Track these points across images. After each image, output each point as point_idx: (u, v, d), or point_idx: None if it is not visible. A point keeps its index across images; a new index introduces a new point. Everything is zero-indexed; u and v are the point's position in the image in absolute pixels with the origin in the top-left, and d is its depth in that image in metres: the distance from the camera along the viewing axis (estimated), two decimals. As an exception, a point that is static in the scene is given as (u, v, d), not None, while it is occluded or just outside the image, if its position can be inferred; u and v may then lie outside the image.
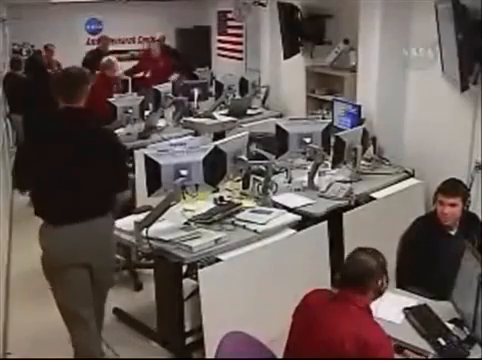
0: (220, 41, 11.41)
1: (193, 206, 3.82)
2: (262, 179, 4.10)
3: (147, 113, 6.14)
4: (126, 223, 3.59)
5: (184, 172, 3.33)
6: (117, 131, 4.78)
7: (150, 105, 6.42)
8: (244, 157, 3.94)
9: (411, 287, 3.22)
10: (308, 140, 4.33)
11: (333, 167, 4.43)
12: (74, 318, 3.13)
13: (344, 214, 3.80)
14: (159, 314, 3.73)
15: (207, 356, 3.02)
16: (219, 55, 11.46)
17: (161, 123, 6.12)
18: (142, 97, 6.01)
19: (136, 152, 4.61)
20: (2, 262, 4.51)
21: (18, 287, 4.48)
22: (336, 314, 2.36)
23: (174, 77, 7.78)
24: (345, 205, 4.06)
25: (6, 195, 5.77)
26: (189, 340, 3.63)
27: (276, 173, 4.43)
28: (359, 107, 5.18)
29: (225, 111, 6.62)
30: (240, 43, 10.18)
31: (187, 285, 3.81)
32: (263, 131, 5.15)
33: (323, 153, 4.29)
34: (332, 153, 4.40)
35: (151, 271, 4.03)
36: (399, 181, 4.56)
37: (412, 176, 4.67)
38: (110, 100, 5.68)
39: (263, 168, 4.11)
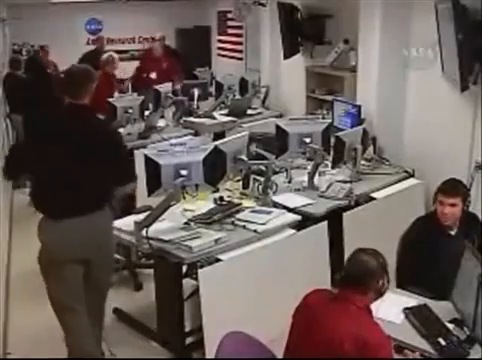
0: (220, 41, 11.41)
1: (193, 206, 3.82)
2: (262, 179, 4.10)
3: (147, 113, 6.14)
4: (126, 223, 3.59)
5: (184, 172, 3.34)
6: (117, 131, 4.79)
7: (150, 105, 6.42)
8: (244, 157, 3.94)
9: (411, 287, 3.22)
10: (308, 140, 4.33)
11: (333, 167, 4.43)
12: (67, 312, 3.15)
13: (344, 214, 3.80)
14: (159, 314, 3.73)
15: (207, 356, 3.03)
16: (219, 55, 11.45)
17: (161, 123, 6.12)
18: (142, 97, 6.01)
19: (136, 152, 4.60)
20: (2, 262, 4.51)
21: (18, 287, 4.48)
22: (336, 314, 2.36)
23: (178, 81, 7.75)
24: (345, 205, 4.06)
25: (6, 195, 5.77)
26: (189, 340, 3.63)
27: (276, 173, 4.43)
28: (359, 107, 5.18)
29: (225, 111, 6.62)
30: (240, 43, 10.18)
31: (187, 285, 3.81)
32: (263, 131, 5.15)
33: (323, 153, 4.29)
34: (332, 153, 4.40)
35: (151, 271, 4.03)
36: (399, 181, 4.57)
37: (412, 176, 4.67)
38: (110, 100, 5.69)
39: (263, 168, 4.11)
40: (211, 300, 3.09)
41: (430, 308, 2.89)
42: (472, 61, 4.11)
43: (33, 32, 10.26)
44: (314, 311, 2.45)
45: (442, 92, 4.73)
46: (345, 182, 4.34)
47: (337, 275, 2.51)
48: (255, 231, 3.59)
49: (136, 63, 8.82)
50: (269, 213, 3.76)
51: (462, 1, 4.00)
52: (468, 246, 2.89)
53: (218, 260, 3.35)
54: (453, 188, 3.49)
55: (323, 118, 5.12)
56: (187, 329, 3.63)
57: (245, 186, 4.16)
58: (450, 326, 2.75)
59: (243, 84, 6.97)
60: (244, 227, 3.63)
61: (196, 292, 3.34)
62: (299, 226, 3.79)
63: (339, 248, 3.61)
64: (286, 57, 7.03)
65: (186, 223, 3.63)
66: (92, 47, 9.81)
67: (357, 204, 4.11)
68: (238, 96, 6.87)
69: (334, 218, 3.84)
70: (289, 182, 4.39)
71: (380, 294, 2.45)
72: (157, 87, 6.43)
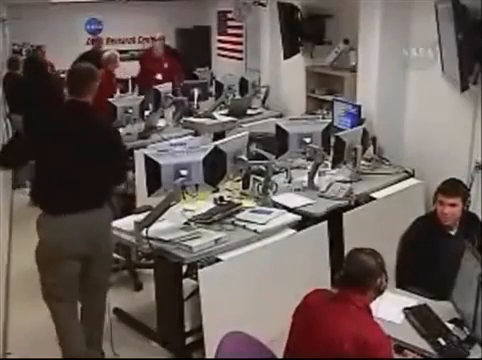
0: (220, 41, 11.40)
1: (193, 206, 3.82)
2: (262, 179, 4.10)
3: (147, 113, 6.14)
4: (126, 223, 3.59)
5: (184, 172, 3.33)
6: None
7: (150, 105, 6.41)
8: (244, 157, 3.94)
9: (411, 287, 3.22)
10: (308, 140, 4.33)
11: (333, 167, 4.43)
12: (57, 302, 3.18)
13: (344, 214, 3.80)
14: (159, 314, 3.73)
15: (207, 356, 3.02)
16: (219, 55, 11.45)
17: (161, 123, 6.12)
18: (142, 97, 6.01)
19: (136, 152, 4.60)
20: (2, 262, 4.51)
21: (18, 287, 4.48)
22: (336, 314, 2.36)
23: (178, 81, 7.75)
24: (345, 205, 4.06)
25: (6, 195, 5.77)
26: (189, 340, 3.63)
27: (276, 173, 4.43)
28: (359, 107, 5.18)
29: (225, 111, 6.61)
30: (240, 43, 10.18)
31: (187, 285, 3.80)
32: (263, 131, 5.15)
33: (323, 153, 4.29)
34: (332, 153, 4.40)
35: (151, 271, 4.03)
36: (399, 181, 4.56)
37: (412, 176, 4.67)
38: (110, 100, 5.68)
39: (263, 168, 4.11)
40: (211, 300, 3.09)
41: (430, 308, 2.89)
42: (472, 61, 4.11)
43: (33, 32, 10.26)
44: (314, 311, 2.45)
45: (442, 92, 4.73)
46: (345, 182, 4.34)
47: (337, 275, 2.51)
48: (255, 231, 3.59)
49: (136, 63, 8.83)
50: (269, 213, 3.76)
51: (462, 1, 4.00)
52: (468, 246, 2.89)
53: (218, 260, 3.35)
54: (453, 188, 3.49)
55: (323, 118, 5.12)
56: (187, 329, 3.63)
57: (245, 186, 4.16)
58: (450, 326, 2.75)
59: (243, 84, 6.97)
60: (244, 227, 3.63)
61: (196, 292, 3.34)
62: (299, 226, 3.79)
63: (339, 248, 3.60)
64: (286, 57, 7.03)
65: (186, 223, 3.63)
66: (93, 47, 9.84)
67: (357, 204, 4.10)
68: (238, 96, 6.87)
69: (334, 218, 3.84)
70: (289, 182, 4.39)
71: (379, 292, 2.46)
72: (157, 87, 6.43)
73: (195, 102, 6.52)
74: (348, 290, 2.40)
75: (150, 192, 3.36)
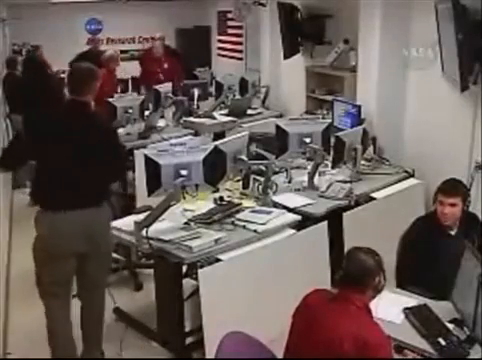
0: (220, 41, 11.40)
1: (193, 206, 3.82)
2: (262, 179, 4.10)
3: (147, 113, 6.14)
4: (126, 223, 3.59)
5: (184, 172, 3.33)
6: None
7: (150, 105, 6.41)
8: (244, 157, 3.94)
9: (411, 287, 3.22)
10: (308, 140, 4.33)
11: (333, 167, 4.43)
12: (51, 296, 3.21)
13: (344, 214, 3.80)
14: (159, 314, 3.73)
15: (207, 356, 3.03)
16: (219, 55, 11.45)
17: (161, 123, 6.12)
18: (142, 97, 6.01)
19: (136, 152, 4.60)
20: (2, 262, 4.51)
21: (18, 287, 4.47)
22: (336, 314, 2.36)
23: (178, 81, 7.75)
24: (345, 205, 4.06)
25: (6, 195, 5.77)
26: (189, 340, 3.63)
27: (276, 173, 4.43)
28: (359, 107, 5.18)
29: (225, 111, 6.61)
30: (240, 43, 10.17)
31: (187, 285, 3.80)
32: (263, 131, 5.15)
33: (323, 153, 4.29)
34: (332, 153, 4.40)
35: (151, 271, 4.03)
36: (399, 181, 4.57)
37: (412, 176, 4.67)
38: (110, 100, 5.68)
39: (263, 168, 4.11)
40: (211, 300, 3.09)
41: (430, 308, 2.89)
42: (472, 61, 4.11)
43: (33, 32, 10.25)
44: (314, 311, 2.45)
45: (442, 92, 4.73)
46: (345, 182, 4.34)
47: (337, 275, 2.51)
48: (255, 231, 3.59)
49: (136, 63, 8.83)
50: (269, 213, 3.76)
51: (462, 1, 4.00)
52: (468, 246, 2.88)
53: (218, 260, 3.35)
54: (453, 188, 3.49)
55: (323, 118, 5.13)
56: (187, 329, 3.63)
57: (245, 186, 4.16)
58: (450, 326, 2.75)
59: (243, 84, 6.96)
60: (244, 227, 3.63)
61: (196, 292, 3.34)
62: (299, 226, 3.79)
63: (339, 248, 3.61)
64: (286, 57, 7.03)
65: (186, 223, 3.63)
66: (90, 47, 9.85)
67: (357, 204, 4.11)
68: (238, 96, 6.87)
69: (334, 218, 3.84)
70: (289, 182, 4.39)
71: (378, 291, 2.46)
72: (157, 87, 6.43)
73: (195, 102, 6.51)
74: (348, 290, 2.40)
75: (150, 192, 3.36)
